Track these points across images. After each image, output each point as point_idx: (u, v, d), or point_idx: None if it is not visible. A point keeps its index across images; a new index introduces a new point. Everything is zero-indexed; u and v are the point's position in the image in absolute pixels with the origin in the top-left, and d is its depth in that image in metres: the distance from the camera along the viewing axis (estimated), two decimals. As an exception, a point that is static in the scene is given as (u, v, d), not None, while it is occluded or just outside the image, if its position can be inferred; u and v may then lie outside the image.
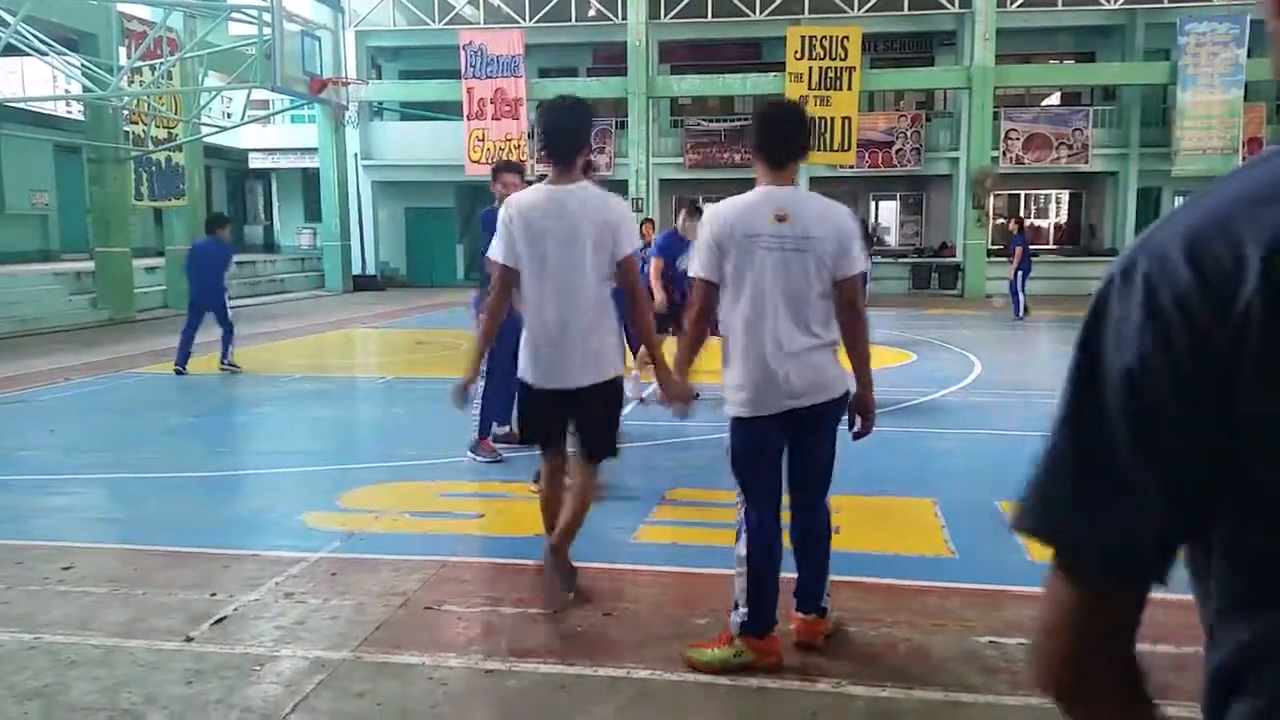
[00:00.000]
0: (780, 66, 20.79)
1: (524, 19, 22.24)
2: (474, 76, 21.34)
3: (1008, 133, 21.71)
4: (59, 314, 15.42)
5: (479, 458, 6.15)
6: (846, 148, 20.13)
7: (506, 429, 6.47)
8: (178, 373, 10.03)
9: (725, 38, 23.68)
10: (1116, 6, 21.44)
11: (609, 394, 3.64)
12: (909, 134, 22.39)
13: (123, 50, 16.27)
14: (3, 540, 4.67)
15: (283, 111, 25.06)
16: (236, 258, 10.83)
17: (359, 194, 24.01)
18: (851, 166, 20.99)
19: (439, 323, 15.70)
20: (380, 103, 24.49)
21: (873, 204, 25.17)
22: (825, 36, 20.20)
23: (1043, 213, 25.80)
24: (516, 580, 4.08)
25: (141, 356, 11.64)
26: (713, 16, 22.04)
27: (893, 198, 25.18)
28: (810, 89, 19.87)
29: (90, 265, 17.01)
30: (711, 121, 23.79)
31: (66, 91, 18.61)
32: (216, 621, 3.66)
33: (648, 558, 4.39)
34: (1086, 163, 21.85)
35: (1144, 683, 0.85)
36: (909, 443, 6.70)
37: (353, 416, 8.79)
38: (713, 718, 3.04)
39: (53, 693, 3.11)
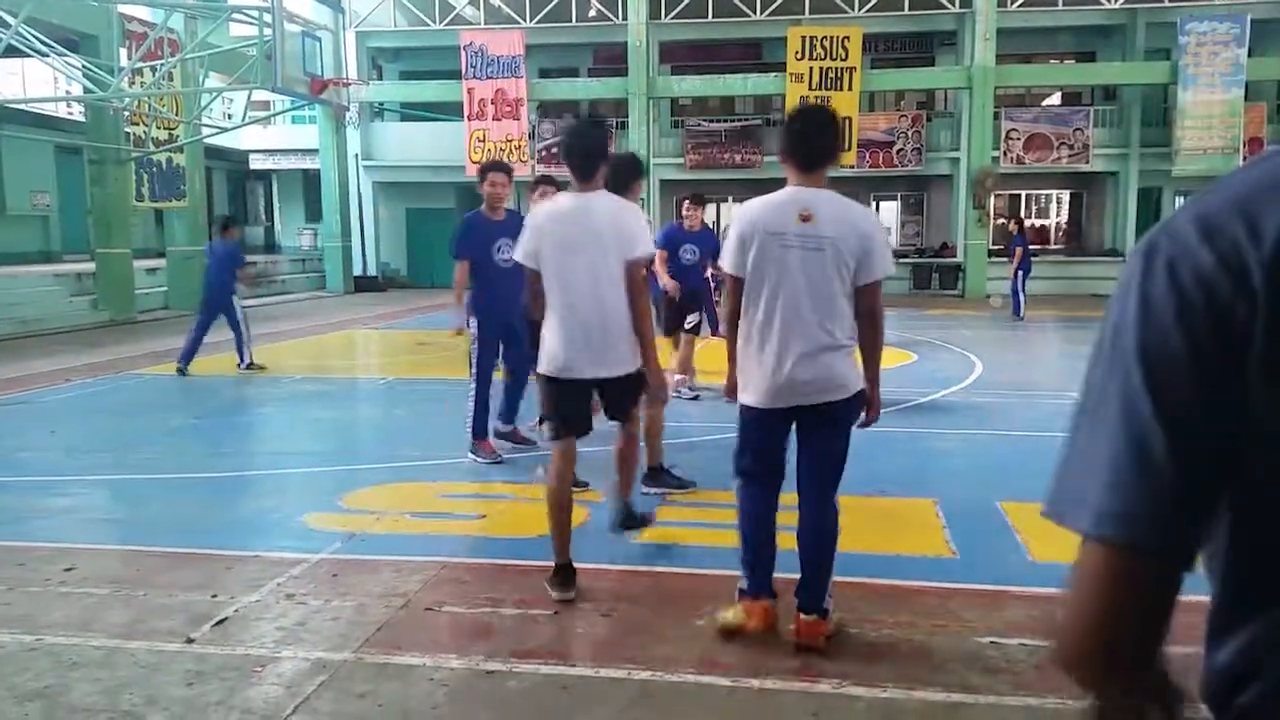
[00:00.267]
0: (781, 67, 20.81)
1: (524, 19, 22.23)
2: (474, 77, 21.35)
3: (1008, 133, 21.69)
4: (60, 315, 15.42)
5: (480, 459, 6.15)
6: (847, 148, 20.10)
7: (511, 428, 6.49)
8: (180, 372, 9.99)
9: (726, 38, 23.66)
10: (1117, 6, 21.42)
11: (632, 380, 3.96)
12: (909, 134, 22.36)
13: (123, 51, 16.25)
14: (4, 541, 4.68)
15: (283, 112, 25.09)
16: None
17: (360, 195, 24.01)
18: (852, 167, 20.96)
19: (440, 324, 15.60)
20: (381, 103, 24.49)
21: (873, 204, 25.11)
22: (826, 37, 20.21)
23: (1043, 213, 25.79)
24: (517, 581, 4.09)
25: (142, 358, 11.65)
26: (713, 17, 22.02)
27: (893, 198, 25.15)
28: (811, 89, 19.90)
29: (91, 266, 17.01)
30: (712, 122, 23.75)
31: (67, 93, 18.63)
32: (218, 623, 3.66)
33: (648, 558, 4.39)
34: (1087, 163, 21.82)
35: (1169, 670, 0.85)
36: (909, 443, 6.70)
37: (354, 417, 8.79)
38: (713, 718, 3.04)
39: (54, 694, 3.11)
